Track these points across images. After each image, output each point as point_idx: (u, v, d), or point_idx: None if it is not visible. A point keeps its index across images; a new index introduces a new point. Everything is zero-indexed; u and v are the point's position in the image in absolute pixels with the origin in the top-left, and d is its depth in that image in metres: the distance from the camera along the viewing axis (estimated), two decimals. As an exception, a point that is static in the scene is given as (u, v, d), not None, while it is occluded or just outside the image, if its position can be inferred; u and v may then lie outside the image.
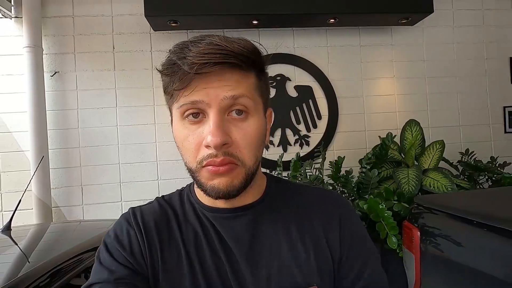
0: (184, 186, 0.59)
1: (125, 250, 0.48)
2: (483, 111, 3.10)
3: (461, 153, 2.68)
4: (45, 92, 2.64)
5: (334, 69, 2.95)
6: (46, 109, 2.64)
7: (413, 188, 1.86)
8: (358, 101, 2.97)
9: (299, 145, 2.90)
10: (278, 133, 2.87)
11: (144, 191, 2.73)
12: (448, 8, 3.07)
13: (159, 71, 0.46)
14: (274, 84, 2.83)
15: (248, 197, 0.51)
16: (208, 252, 0.49)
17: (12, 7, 2.70)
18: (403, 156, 2.24)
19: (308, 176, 2.22)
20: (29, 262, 0.74)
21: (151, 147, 2.78)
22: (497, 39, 3.09)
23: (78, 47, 2.74)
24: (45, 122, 2.63)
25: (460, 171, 2.54)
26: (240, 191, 0.47)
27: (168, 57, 0.45)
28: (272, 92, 2.84)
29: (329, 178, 2.29)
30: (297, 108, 2.90)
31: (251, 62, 0.45)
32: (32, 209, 2.53)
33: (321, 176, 2.24)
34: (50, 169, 2.62)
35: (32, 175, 1.90)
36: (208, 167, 0.45)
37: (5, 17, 2.68)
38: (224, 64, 0.42)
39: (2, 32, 2.64)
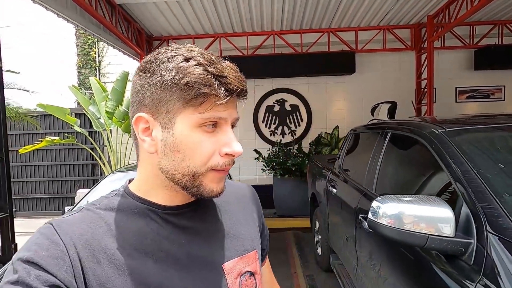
0: (108, 194, 0.53)
1: (48, 272, 0.40)
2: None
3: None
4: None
5: (311, 95, 5.60)
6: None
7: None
8: (323, 113, 5.60)
9: (291, 135, 5.66)
10: (280, 128, 5.66)
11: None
12: (379, 60, 5.46)
13: (201, 82, 0.44)
14: (279, 103, 5.60)
15: None
16: (161, 244, 0.48)
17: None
18: (329, 141, 4.88)
19: (289, 150, 5.02)
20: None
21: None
22: (406, 77, 5.39)
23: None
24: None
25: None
26: None
27: (204, 70, 0.44)
28: (277, 107, 5.62)
29: (296, 151, 5.06)
30: (290, 116, 5.65)
31: None
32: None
33: (293, 149, 5.04)
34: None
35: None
36: (217, 171, 0.48)
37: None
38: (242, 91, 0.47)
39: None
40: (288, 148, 5.14)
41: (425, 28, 4.78)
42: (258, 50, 5.29)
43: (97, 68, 5.92)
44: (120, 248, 0.46)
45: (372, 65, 5.47)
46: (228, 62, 0.48)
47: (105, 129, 5.29)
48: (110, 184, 2.79)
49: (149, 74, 0.47)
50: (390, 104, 2.57)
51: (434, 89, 5.32)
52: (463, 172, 1.05)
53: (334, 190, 2.43)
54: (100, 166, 5.59)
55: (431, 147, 1.27)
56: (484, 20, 4.91)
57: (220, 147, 0.48)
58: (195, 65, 0.45)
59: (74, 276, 0.42)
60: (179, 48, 0.47)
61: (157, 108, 0.47)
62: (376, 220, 1.06)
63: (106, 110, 5.01)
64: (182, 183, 0.48)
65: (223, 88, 0.45)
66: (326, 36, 5.12)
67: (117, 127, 5.09)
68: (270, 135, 5.67)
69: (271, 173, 5.01)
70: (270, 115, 5.67)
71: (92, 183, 5.70)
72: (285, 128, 5.66)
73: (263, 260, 0.65)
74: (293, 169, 4.64)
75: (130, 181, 0.54)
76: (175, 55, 0.46)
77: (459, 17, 3.91)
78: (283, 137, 5.66)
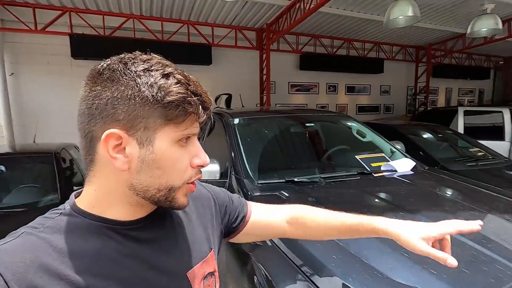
0: (50, 214, 0.47)
1: None
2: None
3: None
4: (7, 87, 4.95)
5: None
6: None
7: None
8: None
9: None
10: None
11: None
12: (232, 55, 6.38)
13: (185, 101, 0.45)
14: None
15: None
16: (123, 263, 0.46)
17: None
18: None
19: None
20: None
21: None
22: (253, 72, 6.56)
23: (28, 59, 5.07)
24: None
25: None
26: None
27: (186, 89, 0.45)
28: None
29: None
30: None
31: None
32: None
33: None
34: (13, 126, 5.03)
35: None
36: (191, 184, 0.50)
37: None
38: None
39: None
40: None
41: (265, 33, 5.96)
42: (117, 32, 5.20)
43: None
44: (76, 275, 0.42)
45: (226, 58, 6.35)
46: (193, 77, 0.49)
47: None
48: None
49: (122, 87, 0.44)
50: (227, 96, 3.32)
51: (274, 83, 6.74)
52: (231, 144, 1.81)
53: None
54: None
55: (225, 129, 2.01)
56: (305, 33, 6.54)
57: (191, 159, 0.49)
58: (176, 83, 0.45)
59: None
60: (149, 59, 0.47)
61: (133, 125, 0.45)
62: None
63: None
64: (155, 198, 0.48)
65: (201, 106, 0.47)
66: (186, 27, 5.57)
67: None
68: (134, 118, 5.77)
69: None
70: (133, 99, 5.73)
71: None
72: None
73: (246, 211, 0.69)
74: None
75: (75, 196, 0.50)
76: (151, 69, 0.45)
77: (283, 29, 5.16)
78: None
